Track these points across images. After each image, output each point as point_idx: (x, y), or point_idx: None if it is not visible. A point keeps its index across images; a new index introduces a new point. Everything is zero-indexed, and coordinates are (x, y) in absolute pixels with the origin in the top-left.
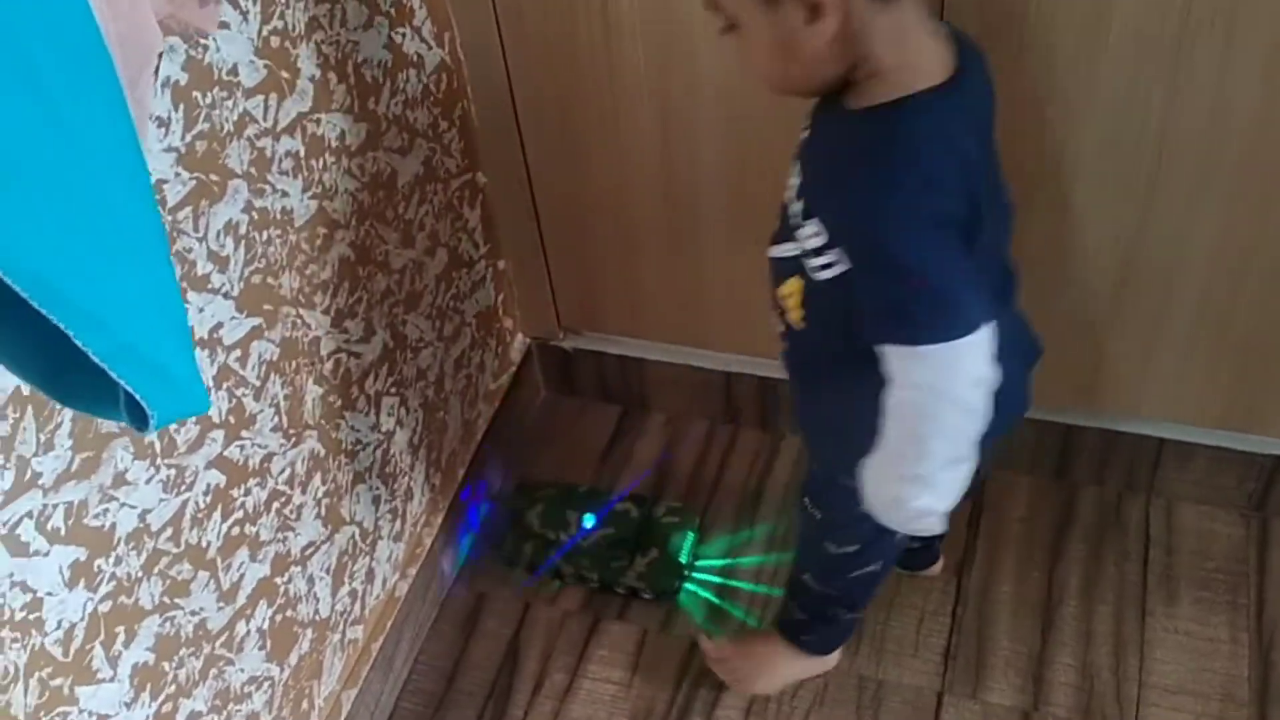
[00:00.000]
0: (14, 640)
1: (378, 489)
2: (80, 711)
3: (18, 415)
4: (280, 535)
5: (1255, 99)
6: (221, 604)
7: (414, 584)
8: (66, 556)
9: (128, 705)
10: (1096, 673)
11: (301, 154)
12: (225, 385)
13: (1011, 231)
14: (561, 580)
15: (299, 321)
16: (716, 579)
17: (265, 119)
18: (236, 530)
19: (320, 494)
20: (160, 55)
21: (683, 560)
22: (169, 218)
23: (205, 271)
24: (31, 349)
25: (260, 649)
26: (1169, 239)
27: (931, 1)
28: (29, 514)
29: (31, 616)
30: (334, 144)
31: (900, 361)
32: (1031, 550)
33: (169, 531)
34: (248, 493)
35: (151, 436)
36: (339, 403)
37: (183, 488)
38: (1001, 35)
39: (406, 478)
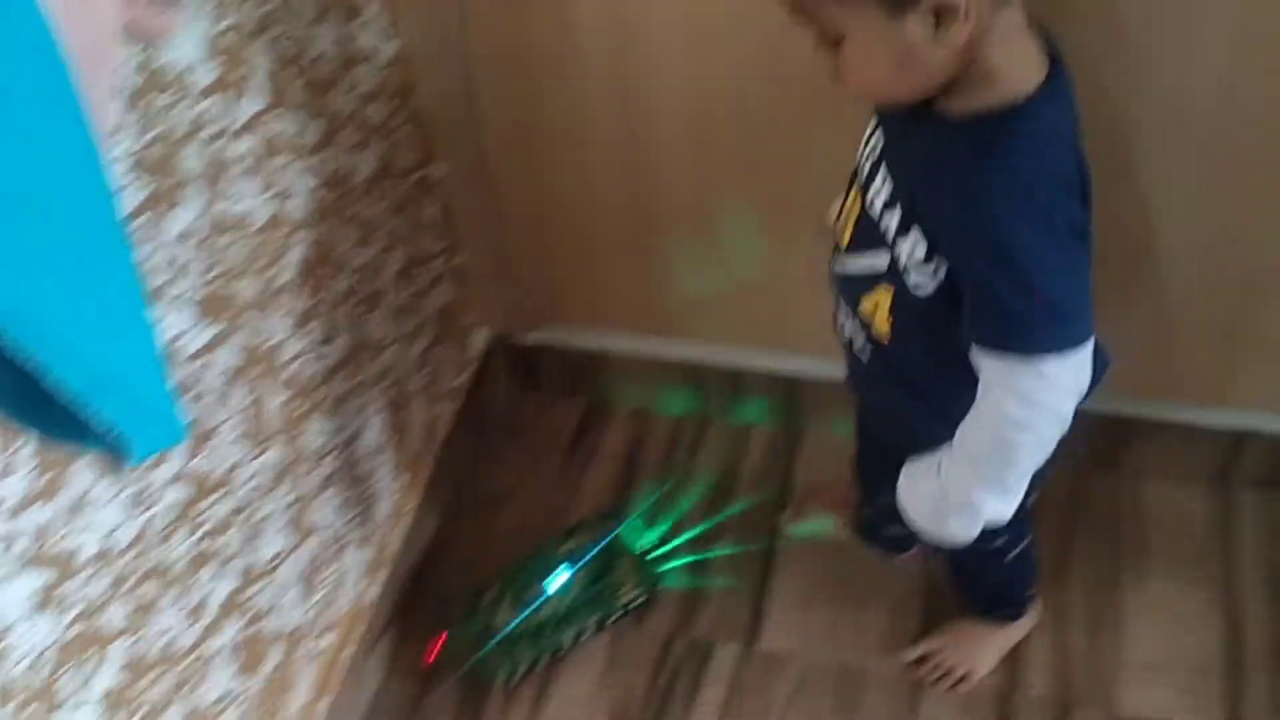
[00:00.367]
0: None
1: (344, 494)
2: None
3: None
4: (248, 546)
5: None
6: (188, 624)
7: (384, 588)
8: (33, 582)
9: None
10: (1072, 651)
11: (258, 154)
12: (187, 396)
13: None
14: (564, 647)
15: (260, 327)
16: (681, 542)
17: (221, 120)
18: (204, 545)
19: (287, 502)
20: (119, 67)
21: (644, 547)
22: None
23: (164, 280)
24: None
25: (231, 664)
26: (1137, 227)
27: None
28: None
29: (1, 645)
30: (291, 143)
31: (1007, 371)
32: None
33: (135, 550)
34: (213, 505)
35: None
36: (303, 408)
37: (148, 505)
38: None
39: (371, 481)
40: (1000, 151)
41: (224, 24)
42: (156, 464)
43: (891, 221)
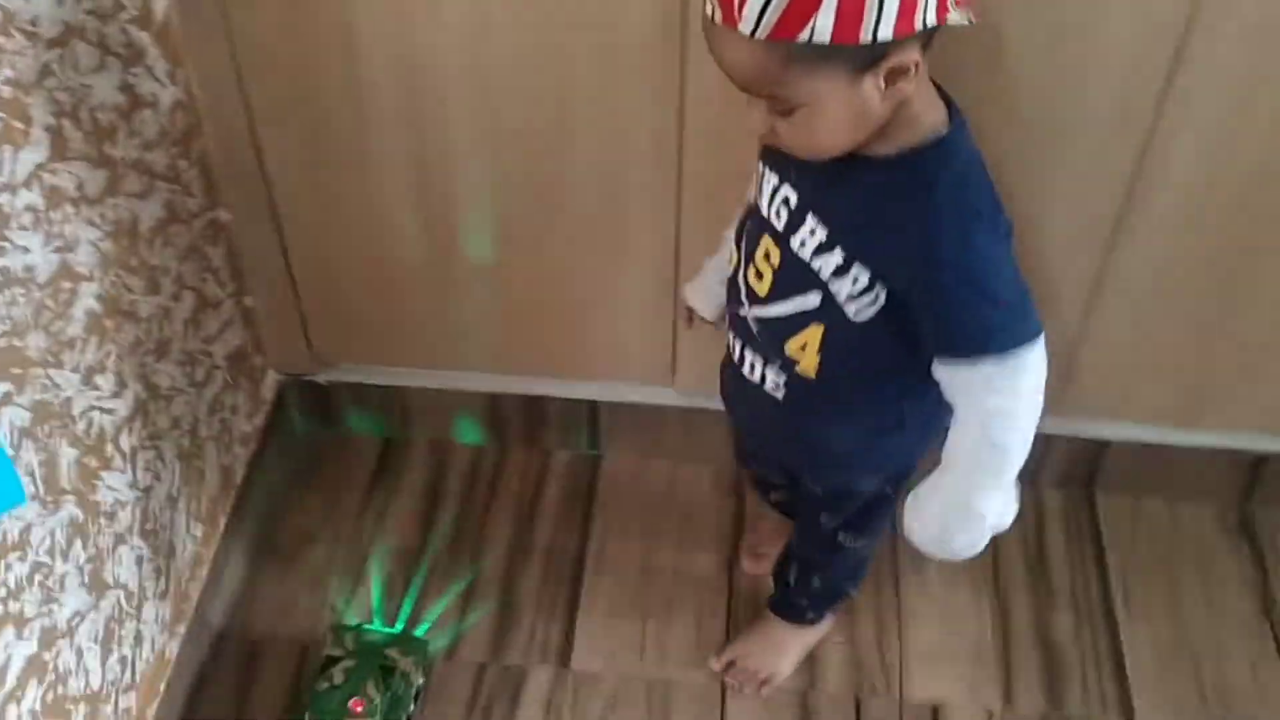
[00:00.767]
0: None
1: (139, 548)
2: None
3: None
4: (45, 608)
5: None
6: None
7: (184, 641)
8: None
9: None
10: (863, 647)
11: (41, 207)
12: None
13: None
14: None
15: (49, 383)
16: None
17: (2, 173)
18: (2, 609)
19: (82, 560)
20: None
21: (396, 633)
22: None
23: None
24: None
25: None
26: None
27: None
28: None
29: None
30: (73, 194)
31: (987, 375)
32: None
33: None
34: (9, 568)
35: None
36: (95, 463)
37: None
38: None
39: (168, 533)
40: (939, 183)
41: (2, 75)
42: None
43: (828, 262)
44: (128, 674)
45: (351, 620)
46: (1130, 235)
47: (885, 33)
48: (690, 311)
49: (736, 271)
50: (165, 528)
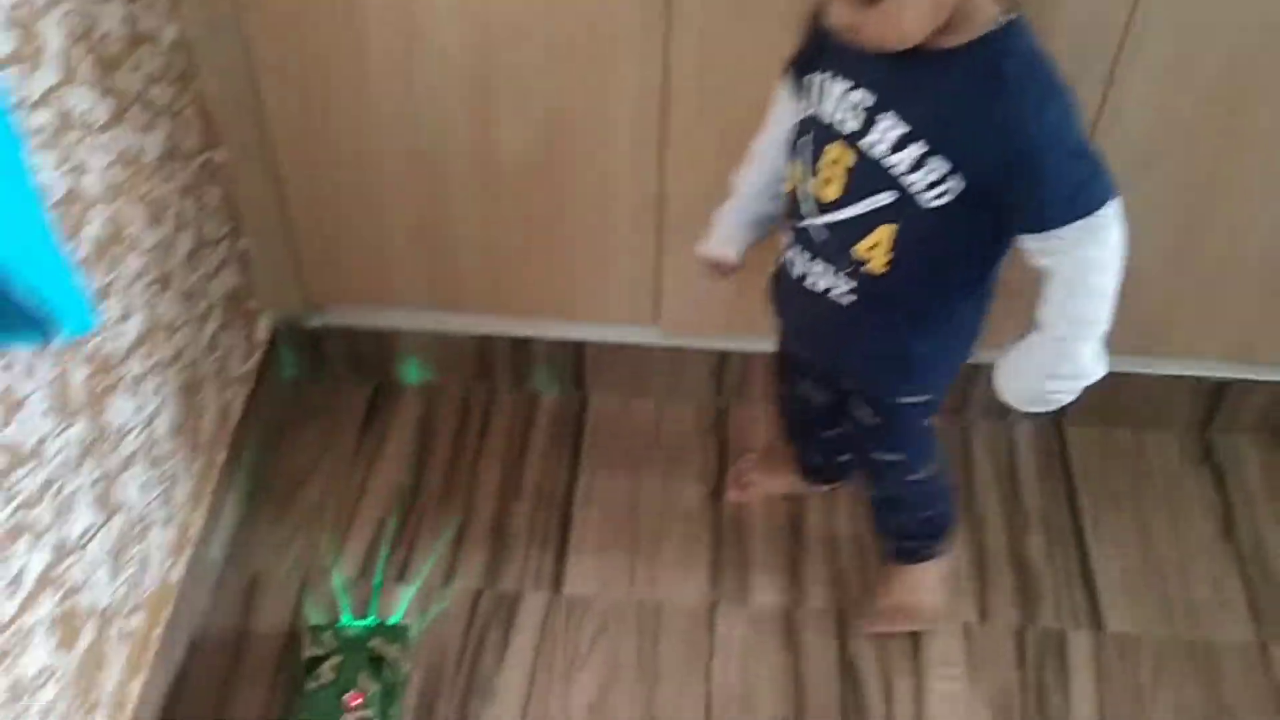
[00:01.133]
0: None
1: (146, 474)
2: None
3: None
4: (59, 521)
5: None
6: (10, 592)
7: (187, 570)
8: None
9: None
10: (846, 569)
11: (55, 127)
12: None
13: None
14: None
15: None
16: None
17: (18, 91)
18: (19, 516)
19: (93, 479)
20: None
21: (375, 624)
22: None
23: None
24: None
25: (49, 639)
26: None
27: None
28: None
29: None
30: (83, 119)
31: (1085, 232)
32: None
33: None
34: (26, 477)
35: None
36: (104, 384)
37: None
38: None
39: (170, 463)
40: (1014, 64)
41: None
42: None
43: (906, 158)
44: (134, 595)
45: (324, 619)
46: None
47: None
48: (717, 266)
49: (797, 186)
50: (168, 457)
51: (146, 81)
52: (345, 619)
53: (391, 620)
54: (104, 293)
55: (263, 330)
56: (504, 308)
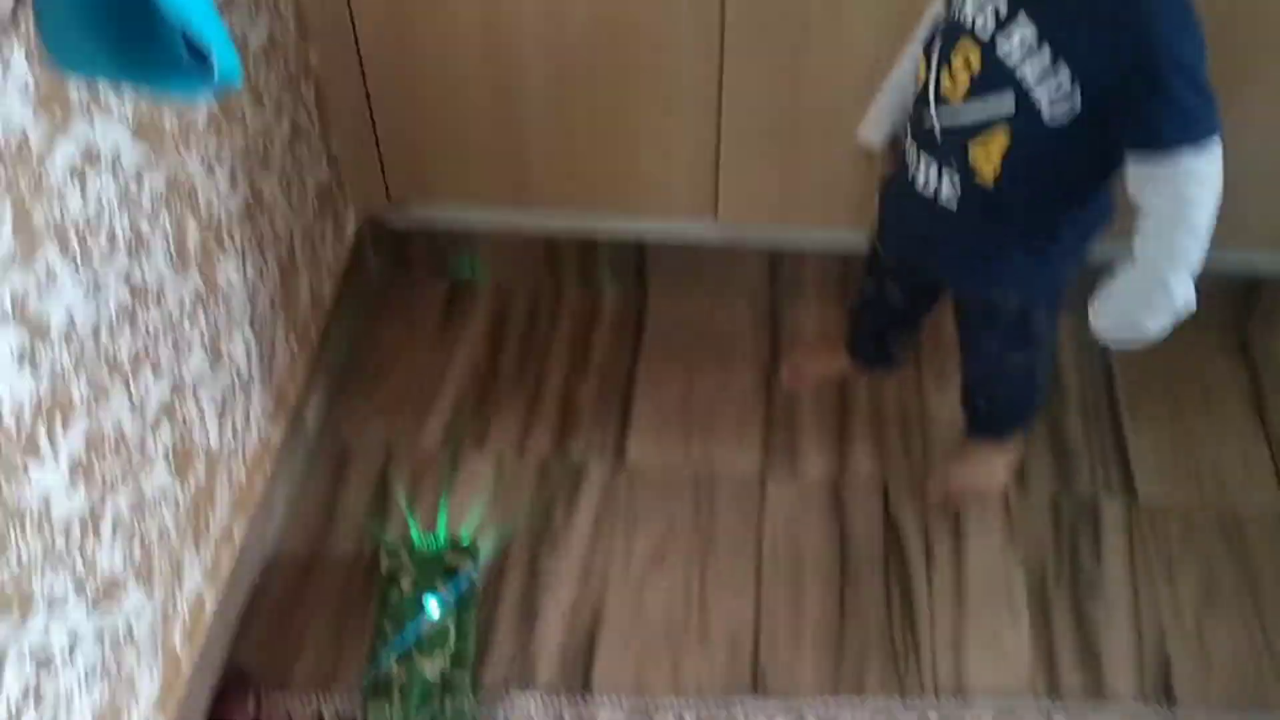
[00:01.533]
0: None
1: (249, 337)
2: (32, 483)
3: None
4: (176, 361)
5: None
6: (134, 415)
7: (285, 433)
8: (14, 339)
9: (67, 493)
10: (890, 442)
11: None
12: (124, 208)
13: None
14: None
15: (178, 160)
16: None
17: None
18: (143, 347)
19: (204, 330)
20: None
21: (441, 538)
22: None
23: (104, 98)
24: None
25: (168, 465)
26: None
27: None
28: None
29: None
30: None
31: (1188, 160)
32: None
33: (90, 334)
34: (149, 312)
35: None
36: (214, 245)
37: (100, 295)
38: None
39: (270, 332)
40: None
41: None
42: (106, 259)
43: (1033, 63)
44: (240, 446)
45: (393, 539)
46: None
47: None
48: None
49: (926, 83)
50: (269, 326)
51: None
52: (415, 538)
53: (463, 541)
54: (215, 161)
55: (350, 226)
56: (571, 201)
